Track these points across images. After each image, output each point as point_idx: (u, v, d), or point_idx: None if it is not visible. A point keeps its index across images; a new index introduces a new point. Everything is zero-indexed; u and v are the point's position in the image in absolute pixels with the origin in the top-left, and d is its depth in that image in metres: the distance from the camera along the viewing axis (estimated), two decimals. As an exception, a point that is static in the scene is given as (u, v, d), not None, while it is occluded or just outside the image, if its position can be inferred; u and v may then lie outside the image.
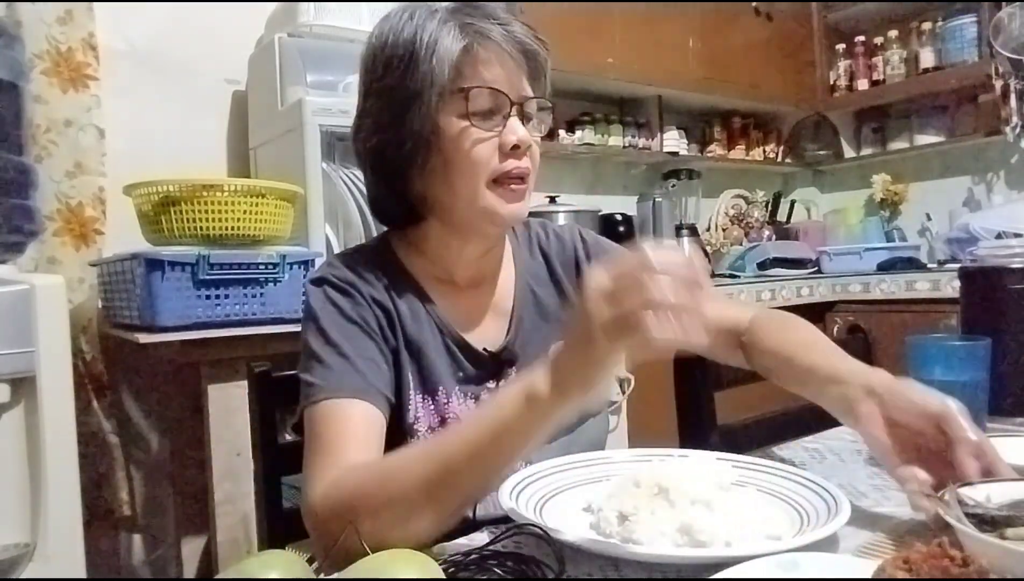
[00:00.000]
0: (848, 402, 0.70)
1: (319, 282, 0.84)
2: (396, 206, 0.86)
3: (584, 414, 0.91)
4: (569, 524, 0.64)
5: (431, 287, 0.87)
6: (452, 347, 0.86)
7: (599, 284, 0.55)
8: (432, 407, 0.84)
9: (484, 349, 0.87)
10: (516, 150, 0.79)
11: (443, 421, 0.83)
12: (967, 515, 0.56)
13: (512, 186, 0.80)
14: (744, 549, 0.54)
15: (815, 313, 2.87)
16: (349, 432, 0.73)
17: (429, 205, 0.84)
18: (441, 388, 0.84)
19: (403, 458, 0.68)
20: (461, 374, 0.86)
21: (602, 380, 0.59)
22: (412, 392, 0.83)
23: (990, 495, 0.58)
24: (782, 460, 0.83)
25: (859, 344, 1.37)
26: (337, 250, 1.68)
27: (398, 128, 0.79)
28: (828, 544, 0.56)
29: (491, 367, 0.87)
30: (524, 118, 0.80)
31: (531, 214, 1.00)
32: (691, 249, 0.63)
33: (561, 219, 2.47)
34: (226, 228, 1.51)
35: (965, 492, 0.58)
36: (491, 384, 0.87)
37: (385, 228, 0.93)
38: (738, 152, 3.34)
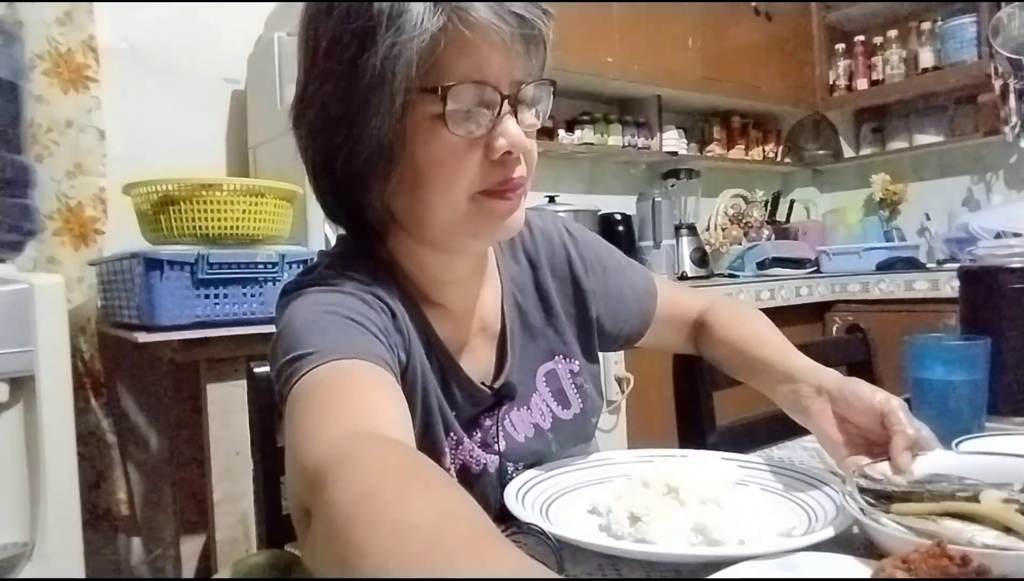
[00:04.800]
0: (800, 399, 0.73)
1: (328, 272, 0.66)
2: (350, 220, 0.69)
3: (579, 440, 0.86)
4: (576, 525, 0.64)
5: (425, 305, 0.72)
6: (449, 380, 0.72)
7: None
8: (452, 451, 0.72)
9: (482, 383, 0.74)
10: (508, 156, 0.63)
11: (464, 468, 0.73)
12: (865, 490, 0.60)
13: (507, 194, 0.64)
14: (758, 547, 0.54)
15: (814, 313, 2.87)
16: (368, 389, 0.53)
17: (397, 219, 0.68)
18: (452, 432, 0.72)
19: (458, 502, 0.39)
20: (454, 411, 0.72)
21: None
22: (441, 433, 0.71)
23: (912, 472, 0.63)
24: (780, 460, 0.83)
25: (858, 344, 1.37)
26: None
27: (352, 128, 0.61)
28: (839, 540, 0.57)
29: (487, 403, 0.75)
30: (520, 108, 0.64)
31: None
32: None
33: (560, 219, 2.45)
34: (225, 227, 1.51)
35: (872, 470, 0.63)
36: (487, 422, 0.74)
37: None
38: (737, 152, 3.34)
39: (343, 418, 0.49)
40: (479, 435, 0.74)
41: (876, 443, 0.67)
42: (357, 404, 0.51)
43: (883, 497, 0.59)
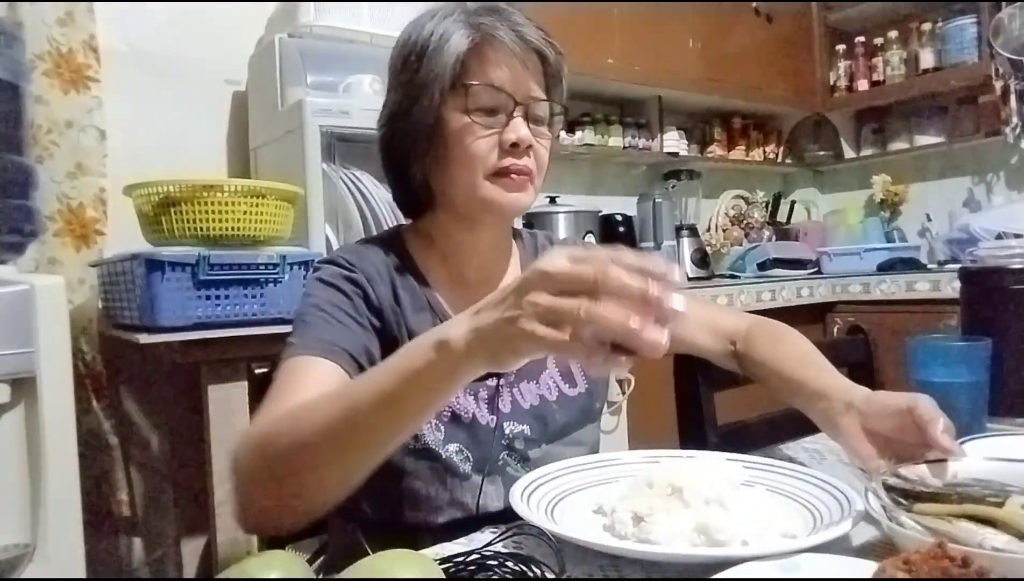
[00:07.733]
0: (831, 416, 0.76)
1: (325, 263, 0.88)
2: (405, 195, 0.90)
3: (584, 418, 0.92)
4: (581, 525, 0.64)
5: (439, 282, 0.89)
6: None
7: (552, 266, 0.53)
8: None
9: None
10: (515, 148, 0.81)
11: (454, 415, 0.83)
12: (892, 488, 0.59)
13: (512, 176, 0.82)
14: (761, 548, 0.54)
15: (815, 314, 2.87)
16: (300, 384, 0.74)
17: (434, 194, 0.88)
18: None
19: (313, 401, 0.67)
20: None
21: (527, 351, 0.55)
22: None
23: (952, 473, 0.63)
24: (784, 461, 0.83)
25: (859, 345, 1.37)
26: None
27: (407, 119, 0.83)
28: (843, 541, 0.56)
29: None
30: (531, 119, 0.83)
31: (531, 212, 1.02)
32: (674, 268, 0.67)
33: (561, 220, 2.47)
34: (226, 228, 1.51)
35: (908, 471, 0.62)
36: (491, 381, 0.85)
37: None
38: (738, 153, 3.34)
39: (283, 400, 0.72)
40: (483, 392, 0.85)
41: (905, 454, 0.67)
42: (299, 390, 0.72)
43: (910, 497, 0.59)
